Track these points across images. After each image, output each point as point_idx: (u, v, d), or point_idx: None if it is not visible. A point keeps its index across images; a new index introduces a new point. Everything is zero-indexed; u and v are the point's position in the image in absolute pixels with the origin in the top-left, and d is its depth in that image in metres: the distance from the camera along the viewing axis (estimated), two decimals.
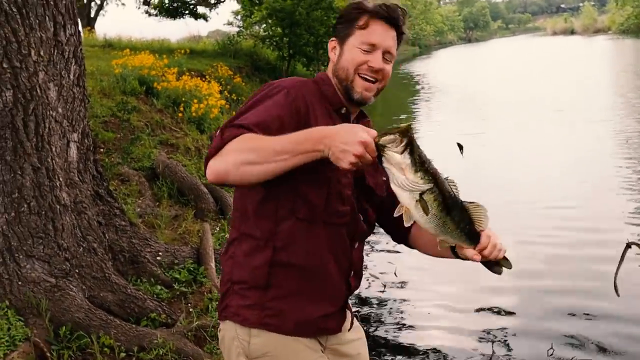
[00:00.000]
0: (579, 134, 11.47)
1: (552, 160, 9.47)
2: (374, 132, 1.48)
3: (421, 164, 1.50)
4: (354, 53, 1.78)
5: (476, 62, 39.87)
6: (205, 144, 8.23)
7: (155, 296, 4.04)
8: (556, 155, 9.76)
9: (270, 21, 16.32)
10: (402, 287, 5.14)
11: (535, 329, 4.31)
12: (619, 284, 1.49)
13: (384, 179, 1.82)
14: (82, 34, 4.30)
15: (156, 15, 21.50)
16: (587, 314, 4.44)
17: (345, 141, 1.45)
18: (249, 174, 1.58)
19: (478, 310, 4.64)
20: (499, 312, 4.61)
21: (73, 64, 4.00)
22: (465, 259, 1.74)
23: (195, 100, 9.13)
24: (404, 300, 4.91)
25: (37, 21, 3.62)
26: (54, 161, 3.63)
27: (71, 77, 3.98)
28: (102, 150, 6.59)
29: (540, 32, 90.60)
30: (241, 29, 21.51)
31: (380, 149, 1.48)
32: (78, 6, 7.91)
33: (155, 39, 20.72)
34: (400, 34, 1.85)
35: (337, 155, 1.48)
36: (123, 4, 27.23)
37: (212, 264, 4.61)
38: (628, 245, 1.47)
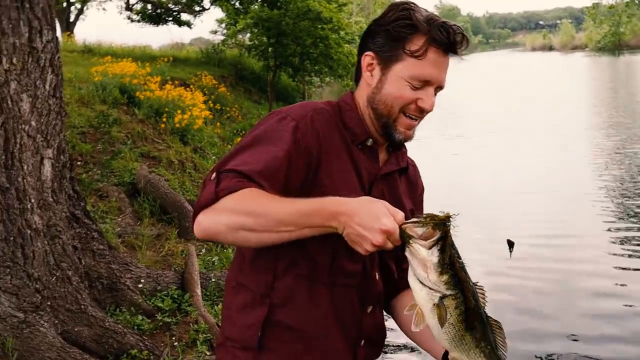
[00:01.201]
0: (555, 149, 11.56)
1: (526, 174, 9.56)
2: (400, 216, 1.24)
3: (450, 266, 1.28)
4: (401, 88, 1.45)
5: (458, 76, 40.15)
6: (189, 157, 7.89)
7: (136, 328, 3.69)
8: (531, 170, 9.86)
9: (255, 30, 16.02)
10: None
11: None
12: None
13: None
14: (60, 40, 3.96)
15: (138, 21, 21.07)
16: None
17: (365, 225, 1.23)
18: (244, 240, 1.34)
19: None
20: None
21: (49, 73, 3.65)
22: None
23: (179, 111, 8.79)
24: None
25: (10, 26, 3.28)
26: (25, 180, 3.27)
27: (47, 87, 3.63)
28: (79, 163, 6.21)
29: (519, 47, 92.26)
30: (226, 37, 21.22)
31: (405, 239, 1.26)
32: (57, 10, 7.57)
33: (137, 46, 20.36)
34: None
35: (352, 238, 1.25)
36: (104, 9, 26.84)
37: (198, 291, 4.26)
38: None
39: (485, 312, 1.38)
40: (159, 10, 20.39)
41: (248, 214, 1.29)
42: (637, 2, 44.38)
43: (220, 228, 1.32)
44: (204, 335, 3.74)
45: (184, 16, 20.55)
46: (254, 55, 17.06)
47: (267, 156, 1.36)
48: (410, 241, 1.26)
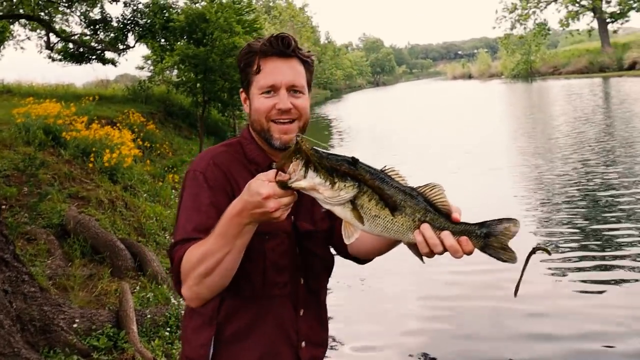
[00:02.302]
0: (479, 171, 12.13)
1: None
2: (271, 174, 1.37)
3: (332, 172, 1.34)
4: (258, 101, 1.70)
5: (385, 105, 41.51)
6: (120, 195, 7.85)
7: None
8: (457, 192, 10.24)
9: (182, 67, 16.06)
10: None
11: None
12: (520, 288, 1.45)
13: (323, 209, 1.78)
14: None
15: (60, 60, 20.57)
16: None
17: (255, 205, 1.38)
18: (214, 282, 1.52)
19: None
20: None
21: None
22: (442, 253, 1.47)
23: (107, 150, 8.73)
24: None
25: None
26: None
27: None
28: (4, 207, 6.07)
29: (441, 76, 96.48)
30: (153, 74, 21.11)
31: (285, 186, 1.35)
32: None
33: (59, 84, 19.91)
34: (303, 60, 1.74)
35: (261, 219, 1.42)
36: (22, 48, 25.93)
37: (134, 327, 4.30)
38: (533, 250, 1.45)
39: (406, 185, 1.41)
40: (81, 49, 20.02)
41: (197, 263, 1.49)
42: (542, 33, 47.94)
43: (194, 290, 1.53)
44: None
45: (108, 54, 20.29)
46: (182, 92, 17.06)
47: (194, 213, 1.63)
48: (289, 184, 1.34)
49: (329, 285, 1.95)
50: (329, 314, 1.93)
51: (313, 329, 1.82)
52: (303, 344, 1.78)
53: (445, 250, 1.42)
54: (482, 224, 1.45)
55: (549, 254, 1.45)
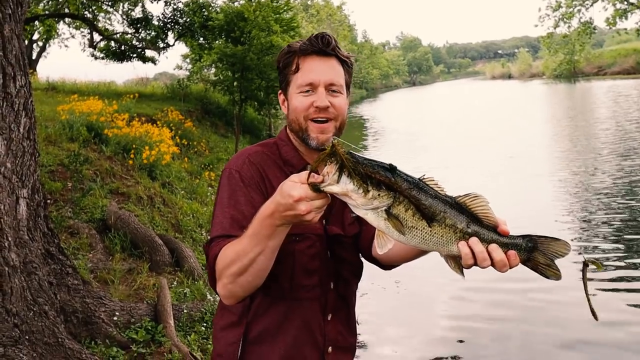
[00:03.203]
0: (519, 174, 11.91)
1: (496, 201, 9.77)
2: (303, 176, 1.34)
3: (366, 180, 1.29)
4: (297, 100, 1.70)
5: (421, 106, 41.10)
6: (158, 192, 8.02)
7: (111, 359, 3.80)
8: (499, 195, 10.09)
9: (220, 65, 16.29)
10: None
11: None
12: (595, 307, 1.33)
13: (352, 214, 1.78)
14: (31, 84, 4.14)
15: (102, 58, 21.15)
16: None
17: (287, 207, 1.35)
18: (247, 282, 1.53)
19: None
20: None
21: (23, 116, 3.83)
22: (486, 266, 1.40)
23: (147, 147, 8.94)
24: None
25: None
26: (2, 220, 3.41)
27: (21, 130, 3.80)
28: (49, 202, 6.29)
29: (480, 76, 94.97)
30: (191, 72, 21.47)
31: (317, 189, 1.31)
32: None
33: (101, 82, 20.42)
34: (342, 60, 1.74)
35: (293, 222, 1.40)
36: (66, 47, 26.74)
37: (171, 321, 4.40)
38: (585, 264, 1.39)
39: (447, 195, 1.36)
40: (123, 48, 20.53)
41: (231, 263, 1.51)
42: (587, 32, 46.62)
43: (229, 288, 1.54)
44: None
45: (149, 53, 20.75)
46: (220, 90, 17.30)
47: (232, 211, 1.64)
48: (322, 188, 1.29)
49: (363, 287, 1.95)
50: (361, 316, 1.91)
51: (341, 334, 1.81)
52: (330, 349, 1.78)
53: (492, 264, 1.38)
54: (528, 238, 1.41)
55: (601, 268, 1.41)
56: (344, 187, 1.30)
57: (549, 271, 1.40)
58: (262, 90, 15.90)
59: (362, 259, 1.88)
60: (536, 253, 1.40)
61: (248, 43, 15.37)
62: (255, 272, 1.50)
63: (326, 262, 1.74)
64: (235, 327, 1.74)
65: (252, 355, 1.72)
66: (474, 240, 1.36)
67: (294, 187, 1.34)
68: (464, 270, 1.42)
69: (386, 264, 1.81)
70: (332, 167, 1.29)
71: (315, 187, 1.31)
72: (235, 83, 15.93)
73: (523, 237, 1.41)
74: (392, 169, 1.32)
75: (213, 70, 19.25)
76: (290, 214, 1.35)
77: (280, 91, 1.81)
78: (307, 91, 1.69)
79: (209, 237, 1.67)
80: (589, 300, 1.40)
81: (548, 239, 1.40)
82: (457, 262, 1.40)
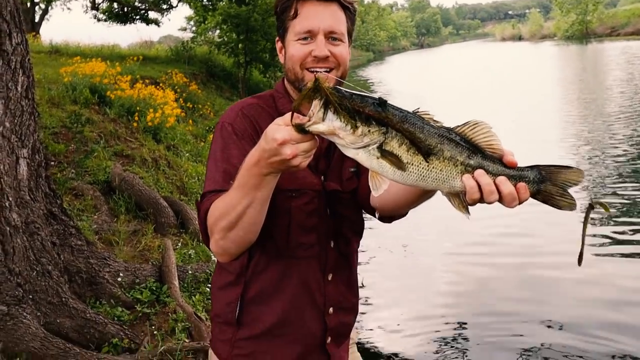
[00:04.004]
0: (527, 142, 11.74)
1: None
2: (287, 118, 1.23)
3: (354, 115, 1.19)
4: (294, 48, 1.59)
5: (429, 68, 40.50)
6: (163, 155, 7.98)
7: (116, 319, 3.82)
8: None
9: (225, 27, 16.04)
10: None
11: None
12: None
13: (350, 169, 1.69)
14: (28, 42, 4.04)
15: (105, 20, 20.86)
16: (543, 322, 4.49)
17: (271, 152, 1.25)
18: (238, 236, 1.45)
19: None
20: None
21: (20, 74, 3.75)
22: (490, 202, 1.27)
23: (151, 110, 8.84)
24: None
25: None
26: (2, 179, 3.37)
27: (19, 89, 3.72)
28: (53, 163, 6.26)
29: (489, 37, 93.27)
30: (195, 34, 21.16)
31: (303, 131, 1.20)
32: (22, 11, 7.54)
33: (105, 45, 20.18)
34: (345, 6, 1.62)
35: (280, 168, 1.29)
36: (69, 9, 26.41)
37: (176, 282, 4.40)
38: (591, 206, 1.29)
39: (443, 126, 1.25)
40: (126, 9, 20.23)
41: (220, 219, 1.43)
42: None
43: (220, 245, 1.47)
44: (183, 324, 3.89)
45: (152, 14, 20.44)
46: (224, 52, 17.08)
47: (225, 164, 1.57)
48: (307, 128, 1.20)
49: (369, 248, 1.88)
50: (365, 279, 1.85)
51: (342, 294, 1.75)
52: (331, 309, 1.72)
53: (499, 199, 1.26)
54: (537, 168, 1.30)
55: (608, 210, 1.31)
56: (330, 124, 1.19)
57: (562, 201, 1.29)
58: (268, 52, 15.70)
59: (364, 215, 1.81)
60: (547, 184, 1.29)
61: (252, 3, 15.09)
62: (245, 225, 1.42)
63: (325, 220, 1.67)
64: (233, 287, 1.69)
65: (250, 315, 1.67)
66: (479, 172, 1.24)
67: (278, 129, 1.23)
68: (469, 207, 1.30)
69: (386, 214, 1.70)
70: (316, 104, 1.19)
71: (300, 128, 1.20)
72: (240, 45, 15.73)
73: (531, 167, 1.30)
74: (382, 102, 1.21)
75: (217, 32, 18.96)
76: (275, 159, 1.25)
77: (277, 38, 1.71)
78: (305, 38, 1.59)
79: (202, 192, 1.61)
80: (583, 243, 1.31)
81: (558, 167, 1.30)
82: (460, 200, 1.28)
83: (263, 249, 1.63)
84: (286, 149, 1.22)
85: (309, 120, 1.20)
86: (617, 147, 10.31)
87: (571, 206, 1.29)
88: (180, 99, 12.03)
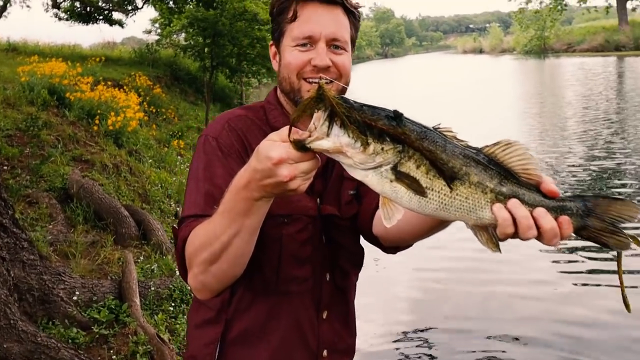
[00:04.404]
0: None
1: None
2: (284, 132, 1.05)
3: (365, 130, 1.00)
4: (291, 55, 1.41)
5: (394, 78, 40.88)
6: (124, 160, 7.63)
7: (70, 342, 3.53)
8: None
9: (191, 30, 15.63)
10: None
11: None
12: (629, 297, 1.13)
13: (350, 191, 1.52)
14: None
15: (67, 19, 20.13)
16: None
17: (265, 174, 1.07)
18: (221, 271, 1.26)
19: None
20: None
21: None
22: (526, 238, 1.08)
23: (112, 113, 8.48)
24: None
25: None
26: None
27: None
28: (5, 168, 5.87)
29: (451, 50, 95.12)
30: (160, 37, 20.68)
31: (304, 148, 1.02)
32: None
33: (65, 45, 19.52)
34: (350, 11, 1.44)
35: (275, 192, 1.10)
36: (28, 6, 25.43)
37: (137, 300, 4.13)
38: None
39: (469, 146, 1.07)
40: (89, 9, 19.59)
41: (200, 250, 1.24)
42: (558, 8, 46.88)
43: (200, 280, 1.28)
44: (144, 347, 3.63)
45: (116, 15, 19.85)
46: (190, 56, 16.69)
47: (207, 185, 1.37)
48: (308, 144, 1.02)
49: None
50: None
51: (338, 334, 1.55)
52: (325, 352, 1.52)
53: (538, 234, 1.06)
54: (581, 199, 1.11)
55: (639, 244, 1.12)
56: (336, 140, 1.00)
57: (613, 239, 1.09)
58: (234, 57, 15.40)
59: (362, 243, 1.62)
60: (592, 218, 1.10)
61: (220, 7, 14.76)
62: (230, 258, 1.22)
63: (321, 249, 1.48)
64: (212, 325, 1.48)
65: (231, 358, 1.46)
66: (514, 203, 1.05)
67: (272, 146, 1.05)
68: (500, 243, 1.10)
69: (390, 245, 1.50)
70: (320, 117, 1.00)
71: (300, 145, 1.02)
72: (206, 49, 15.36)
73: (574, 198, 1.10)
74: (397, 115, 1.02)
75: (183, 35, 18.55)
76: (270, 182, 1.07)
77: (271, 42, 1.51)
78: (305, 45, 1.40)
79: (181, 216, 1.40)
80: (622, 285, 1.14)
81: (608, 199, 1.10)
82: (490, 235, 1.09)
83: (249, 284, 1.43)
84: (282, 169, 1.04)
85: (310, 136, 1.01)
86: (575, 162, 10.48)
87: (623, 245, 1.10)
88: (144, 103, 11.65)
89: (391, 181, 1.03)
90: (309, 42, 1.40)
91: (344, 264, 1.55)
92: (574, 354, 4.15)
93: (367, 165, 1.02)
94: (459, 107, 19.34)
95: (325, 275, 1.51)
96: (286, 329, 1.46)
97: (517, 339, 4.39)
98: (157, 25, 22.26)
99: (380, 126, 1.00)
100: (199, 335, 1.51)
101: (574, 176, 9.40)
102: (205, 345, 1.48)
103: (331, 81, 1.36)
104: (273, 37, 1.49)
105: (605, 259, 5.73)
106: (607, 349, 4.18)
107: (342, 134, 1.00)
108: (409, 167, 1.02)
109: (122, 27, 20.15)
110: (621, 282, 1.14)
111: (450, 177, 1.03)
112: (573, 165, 9.98)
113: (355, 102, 1.03)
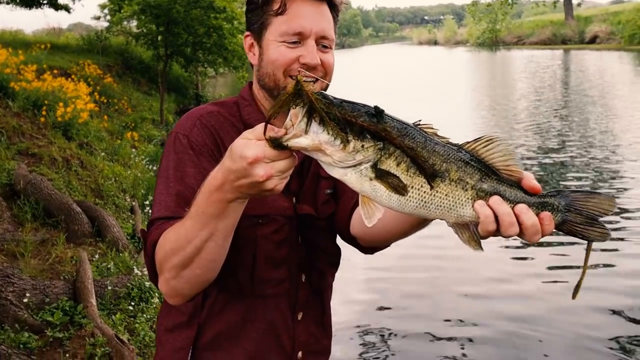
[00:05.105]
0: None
1: None
2: (259, 130, 1.01)
3: (345, 126, 0.97)
4: (277, 51, 1.34)
5: (350, 70, 41.00)
6: (75, 153, 7.31)
7: (22, 347, 3.34)
8: None
9: (143, 17, 15.13)
10: None
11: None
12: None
13: (327, 190, 1.47)
14: None
15: (8, 3, 19.14)
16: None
17: (239, 174, 1.02)
18: (194, 275, 1.19)
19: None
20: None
21: None
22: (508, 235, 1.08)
23: (61, 103, 8.10)
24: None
25: None
26: None
27: None
28: None
29: (407, 41, 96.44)
30: (110, 24, 19.97)
31: (281, 146, 0.98)
32: None
33: (6, 30, 18.64)
34: (333, 5, 1.40)
35: (251, 192, 1.05)
36: None
37: (93, 300, 3.94)
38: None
39: (450, 142, 1.06)
40: None
41: (171, 254, 1.18)
42: (510, 1, 48.04)
43: (172, 285, 1.22)
44: (102, 349, 3.46)
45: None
46: (143, 44, 16.18)
47: (178, 185, 1.30)
48: (285, 142, 0.98)
49: None
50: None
51: (313, 336, 1.51)
52: (300, 354, 1.48)
53: (520, 231, 1.06)
54: (560, 194, 1.11)
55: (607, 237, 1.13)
56: (315, 138, 0.97)
57: (593, 232, 1.11)
58: (190, 45, 15.02)
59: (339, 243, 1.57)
60: (572, 213, 1.11)
61: None
62: (203, 263, 1.16)
63: (297, 250, 1.43)
64: (184, 329, 1.41)
65: None
66: (496, 200, 1.05)
67: (247, 145, 1.01)
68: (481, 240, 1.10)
69: (368, 245, 1.47)
70: (297, 113, 0.96)
71: (277, 143, 0.98)
72: (159, 37, 14.93)
73: (555, 193, 1.11)
74: (378, 112, 1.00)
75: (135, 22, 17.95)
76: (244, 182, 1.02)
77: (248, 33, 1.41)
78: (294, 42, 1.32)
79: (150, 218, 1.31)
80: (583, 276, 1.15)
81: (587, 193, 1.11)
82: (471, 232, 1.08)
83: (222, 287, 1.36)
84: (258, 169, 0.99)
85: (287, 133, 0.97)
86: (530, 155, 10.69)
87: (604, 237, 1.11)
88: (95, 93, 11.21)
89: (371, 179, 1.01)
90: (299, 38, 1.33)
91: (321, 264, 1.51)
92: (526, 352, 4.15)
93: (346, 163, 1.00)
94: (413, 97, 19.50)
95: (301, 277, 1.47)
96: (260, 332, 1.42)
97: (471, 340, 4.37)
98: (106, 11, 21.49)
99: (361, 123, 0.98)
100: (169, 339, 1.44)
101: (527, 169, 9.59)
102: (176, 350, 1.41)
103: (316, 79, 1.30)
104: (251, 28, 1.41)
105: (564, 255, 5.83)
106: (563, 348, 4.21)
107: (321, 131, 0.97)
108: (389, 165, 1.00)
109: (69, 12, 19.29)
110: (584, 271, 1.14)
111: (431, 174, 1.02)
112: (529, 158, 10.18)
113: (335, 98, 0.99)
